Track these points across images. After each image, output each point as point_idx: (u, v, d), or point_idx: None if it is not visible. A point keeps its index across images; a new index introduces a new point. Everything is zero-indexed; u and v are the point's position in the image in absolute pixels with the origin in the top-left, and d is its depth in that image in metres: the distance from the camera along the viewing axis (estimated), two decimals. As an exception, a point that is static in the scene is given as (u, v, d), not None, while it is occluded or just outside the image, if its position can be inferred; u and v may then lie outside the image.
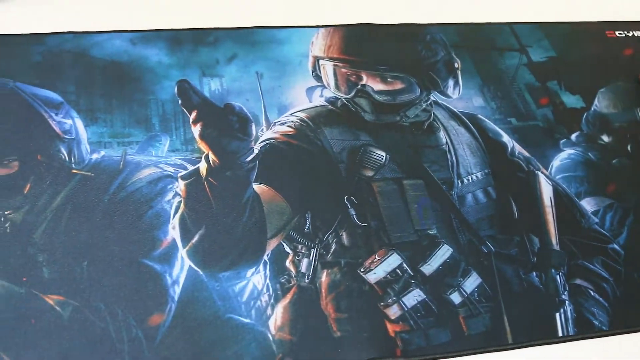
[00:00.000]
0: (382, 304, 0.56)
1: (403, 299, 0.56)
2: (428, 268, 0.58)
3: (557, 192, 0.64)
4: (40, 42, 0.68)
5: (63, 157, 0.60)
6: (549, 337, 0.56)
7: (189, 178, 0.59)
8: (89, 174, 0.60)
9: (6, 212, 0.57)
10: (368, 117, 0.66)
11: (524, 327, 0.56)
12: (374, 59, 0.70)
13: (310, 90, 0.67)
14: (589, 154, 0.68)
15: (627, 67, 0.74)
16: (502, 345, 0.55)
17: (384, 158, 0.63)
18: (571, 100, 0.71)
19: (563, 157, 0.67)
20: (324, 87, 0.68)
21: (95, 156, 0.61)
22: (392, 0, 0.77)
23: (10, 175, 0.59)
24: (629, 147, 0.69)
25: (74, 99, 0.64)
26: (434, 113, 0.68)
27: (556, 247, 0.61)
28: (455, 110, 0.68)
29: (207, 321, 0.53)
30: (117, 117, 0.64)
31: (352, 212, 0.60)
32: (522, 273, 0.59)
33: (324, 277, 0.56)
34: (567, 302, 0.58)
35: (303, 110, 0.66)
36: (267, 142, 0.63)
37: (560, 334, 0.57)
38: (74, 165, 0.60)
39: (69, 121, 0.62)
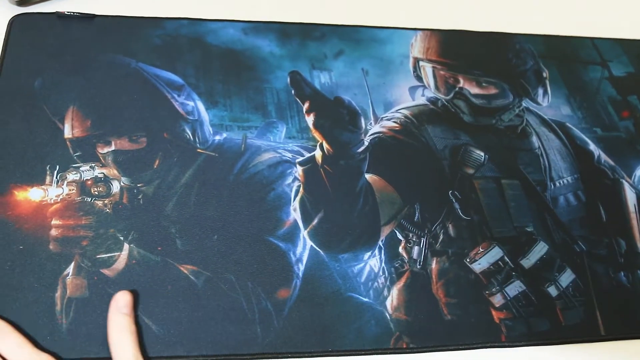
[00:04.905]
0: (487, 292, 0.60)
1: (506, 289, 0.60)
2: (527, 262, 0.62)
3: (641, 200, 0.69)
4: (158, 26, 0.71)
5: (188, 136, 0.64)
6: (638, 331, 0.61)
7: (306, 164, 0.63)
8: (214, 154, 0.63)
9: (138, 185, 0.60)
10: (466, 119, 0.71)
11: (615, 321, 0.61)
12: (469, 64, 0.75)
13: (412, 90, 0.72)
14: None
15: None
16: (596, 337, 0.60)
17: (483, 158, 0.68)
18: (650, 115, 0.76)
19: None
20: (425, 87, 0.73)
21: (217, 138, 0.65)
22: (483, 8, 0.81)
23: (139, 150, 0.62)
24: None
25: (194, 82, 0.68)
26: (526, 119, 0.72)
27: (641, 250, 0.65)
28: (546, 117, 0.73)
29: (330, 298, 0.57)
30: (235, 102, 0.67)
31: (457, 206, 0.64)
32: (611, 272, 0.63)
33: (434, 264, 0.61)
34: (653, 300, 0.63)
35: (407, 107, 0.70)
36: (376, 135, 0.67)
37: (647, 330, 0.61)
38: (198, 145, 0.64)
39: (191, 103, 0.66)
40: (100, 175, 0.60)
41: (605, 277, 0.63)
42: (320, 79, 0.71)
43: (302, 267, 0.58)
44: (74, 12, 0.70)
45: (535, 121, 0.73)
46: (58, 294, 0.53)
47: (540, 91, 0.75)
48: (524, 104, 0.73)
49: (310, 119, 0.67)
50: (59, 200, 0.58)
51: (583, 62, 0.80)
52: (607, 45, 0.81)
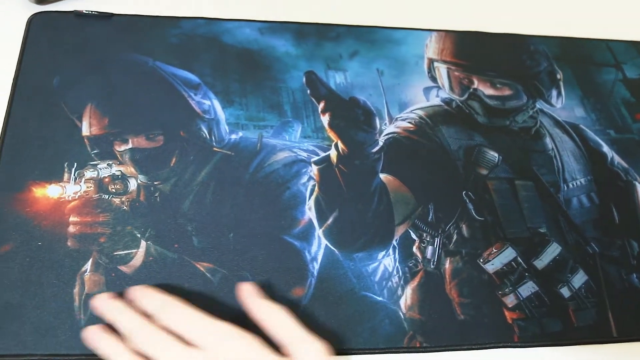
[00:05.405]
0: (499, 292, 0.60)
1: (519, 290, 0.61)
2: (540, 263, 0.63)
3: (653, 202, 0.69)
4: (175, 25, 0.72)
5: (204, 135, 0.64)
6: (649, 333, 0.61)
7: (321, 164, 0.64)
8: (230, 152, 0.64)
9: (155, 182, 0.61)
10: (481, 120, 0.71)
11: (627, 323, 0.61)
12: (483, 65, 0.75)
13: (427, 90, 0.72)
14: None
15: None
16: (608, 338, 0.60)
17: (496, 159, 0.68)
18: (663, 118, 0.76)
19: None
20: (439, 88, 0.73)
21: (233, 137, 0.65)
22: (498, 10, 0.81)
23: (156, 148, 0.63)
24: None
25: (210, 81, 0.68)
26: (540, 120, 0.72)
27: (653, 252, 0.66)
28: (559, 119, 0.73)
29: (344, 297, 0.58)
30: (251, 102, 0.68)
31: (470, 206, 0.64)
32: (623, 274, 0.63)
33: (447, 264, 0.61)
34: (664, 303, 0.63)
35: (421, 108, 0.71)
36: (390, 135, 0.68)
37: (659, 332, 0.61)
38: (214, 144, 0.64)
39: (208, 102, 0.67)
40: (118, 173, 0.61)
41: (617, 279, 0.63)
42: (336, 79, 0.71)
43: (316, 265, 0.59)
44: (91, 11, 0.71)
45: (549, 123, 0.73)
46: (76, 290, 0.54)
47: (554, 93, 0.76)
48: (537, 106, 0.73)
49: (325, 119, 0.68)
50: (76, 197, 0.58)
51: (597, 64, 0.80)
52: (622, 48, 0.82)
